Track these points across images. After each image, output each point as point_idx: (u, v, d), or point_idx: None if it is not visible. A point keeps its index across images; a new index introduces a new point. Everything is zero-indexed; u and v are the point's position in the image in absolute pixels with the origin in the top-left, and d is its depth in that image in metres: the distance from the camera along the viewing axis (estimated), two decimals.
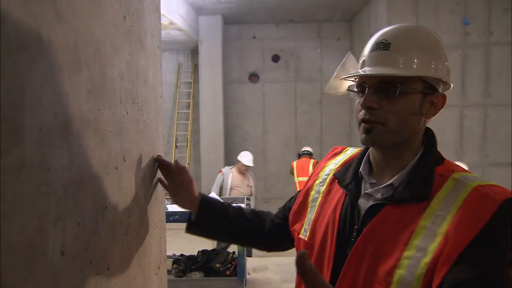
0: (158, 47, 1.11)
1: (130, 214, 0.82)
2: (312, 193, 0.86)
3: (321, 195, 0.83)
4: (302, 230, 0.84)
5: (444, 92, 0.74)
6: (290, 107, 6.34)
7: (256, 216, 1.00)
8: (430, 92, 0.71)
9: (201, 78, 5.85)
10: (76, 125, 0.58)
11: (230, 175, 4.30)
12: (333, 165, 0.87)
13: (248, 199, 3.74)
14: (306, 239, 0.82)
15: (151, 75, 1.02)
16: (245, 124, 6.32)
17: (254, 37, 6.31)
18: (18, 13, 0.44)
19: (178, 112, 6.36)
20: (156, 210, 1.03)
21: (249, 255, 3.88)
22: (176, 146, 6.27)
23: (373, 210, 0.71)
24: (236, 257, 3.15)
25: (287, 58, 6.33)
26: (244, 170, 4.31)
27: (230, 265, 3.12)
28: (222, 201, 1.03)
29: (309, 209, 0.85)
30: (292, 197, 0.97)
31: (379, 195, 0.73)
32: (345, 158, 0.86)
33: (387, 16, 4.40)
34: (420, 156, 0.73)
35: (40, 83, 0.48)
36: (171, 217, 2.75)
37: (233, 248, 3.29)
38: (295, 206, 0.90)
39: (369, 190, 0.75)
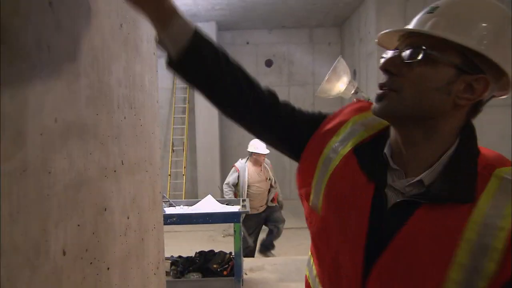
0: (154, 53, 1.13)
1: (129, 215, 0.83)
2: (326, 150, 0.69)
3: (338, 158, 0.67)
4: (311, 198, 0.70)
5: (500, 88, 0.59)
6: None
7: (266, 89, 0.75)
8: (470, 72, 0.56)
9: None
10: (75, 130, 0.59)
11: (246, 170, 3.68)
12: (359, 126, 0.69)
13: (244, 200, 3.34)
14: (319, 214, 0.67)
15: (147, 80, 1.03)
16: (240, 128, 6.37)
17: (247, 43, 6.39)
18: (19, 23, 0.45)
19: (174, 117, 6.40)
20: (154, 212, 1.04)
21: (250, 256, 3.86)
22: (173, 150, 6.30)
23: (400, 208, 0.59)
24: (233, 257, 3.18)
25: (280, 62, 6.41)
26: (262, 161, 3.76)
27: (227, 266, 3.14)
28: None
29: (318, 170, 0.69)
30: (316, 117, 0.76)
31: (405, 189, 0.61)
32: (376, 126, 0.69)
33: (376, 20, 4.50)
34: (457, 147, 0.59)
35: (42, 89, 0.49)
36: (169, 220, 2.74)
37: (230, 248, 3.32)
38: (304, 156, 0.72)
39: (394, 183, 0.62)
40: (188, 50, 0.66)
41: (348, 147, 0.67)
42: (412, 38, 0.60)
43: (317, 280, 0.71)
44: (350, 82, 3.13)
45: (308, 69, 6.39)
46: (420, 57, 0.57)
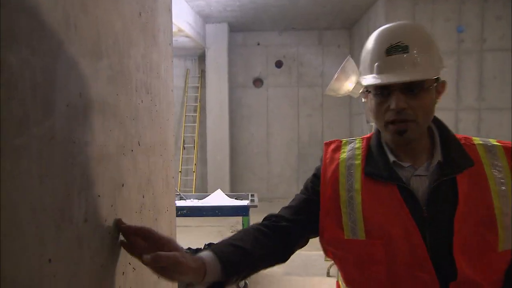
0: (170, 44, 1.13)
1: (144, 194, 0.85)
2: (342, 192, 0.81)
3: (358, 192, 0.80)
4: (347, 232, 0.79)
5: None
6: (293, 110, 6.47)
7: (273, 234, 0.84)
8: (436, 82, 0.78)
9: (207, 83, 6.03)
10: (97, 107, 0.61)
11: None
12: (350, 161, 0.84)
13: (252, 195, 3.24)
14: (363, 239, 0.77)
15: (163, 69, 1.04)
16: (250, 127, 6.47)
17: (258, 44, 6.48)
18: (50, 2, 0.48)
19: (186, 115, 6.54)
20: (167, 195, 1.06)
21: None
22: (184, 148, 6.45)
23: (440, 185, 0.75)
24: None
25: (290, 63, 6.47)
26: None
27: None
28: (231, 242, 0.79)
29: (344, 208, 0.80)
30: (311, 189, 0.88)
31: (427, 174, 0.77)
32: (359, 153, 0.84)
33: (385, 23, 4.55)
34: (442, 133, 0.81)
35: (68, 64, 0.52)
36: (179, 212, 2.65)
37: None
38: (324, 210, 0.83)
39: (418, 172, 0.78)
40: (227, 273, 0.72)
41: (358, 182, 0.81)
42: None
43: None
44: (358, 81, 3.19)
45: (317, 71, 6.45)
46: (422, 91, 0.74)
